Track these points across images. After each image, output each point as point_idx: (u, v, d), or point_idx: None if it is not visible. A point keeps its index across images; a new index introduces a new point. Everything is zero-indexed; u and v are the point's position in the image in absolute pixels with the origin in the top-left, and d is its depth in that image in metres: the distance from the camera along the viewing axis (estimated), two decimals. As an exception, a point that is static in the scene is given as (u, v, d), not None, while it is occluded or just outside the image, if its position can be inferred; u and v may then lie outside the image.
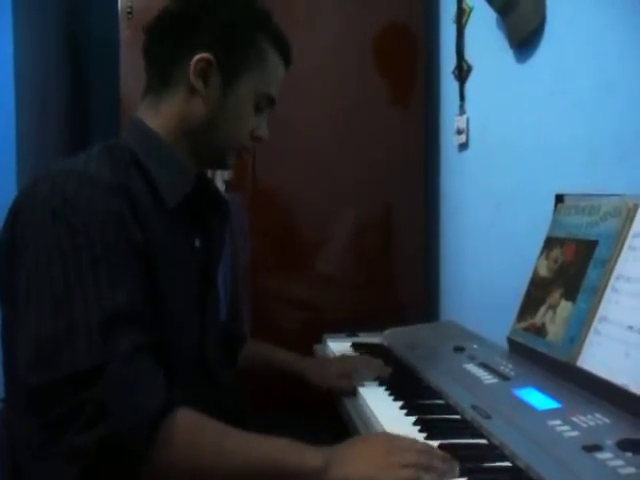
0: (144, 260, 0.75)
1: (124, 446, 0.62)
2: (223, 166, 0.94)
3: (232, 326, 1.22)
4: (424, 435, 0.76)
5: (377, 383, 1.01)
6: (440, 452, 0.69)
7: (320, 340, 1.42)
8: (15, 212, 0.75)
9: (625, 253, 0.83)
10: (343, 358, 1.17)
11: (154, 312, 0.75)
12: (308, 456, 0.67)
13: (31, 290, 0.69)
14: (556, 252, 1.00)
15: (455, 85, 1.57)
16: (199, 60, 0.82)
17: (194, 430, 0.67)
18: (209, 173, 1.37)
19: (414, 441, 0.72)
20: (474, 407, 0.82)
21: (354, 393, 0.98)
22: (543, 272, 1.02)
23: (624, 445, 0.64)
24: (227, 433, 0.68)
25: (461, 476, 0.65)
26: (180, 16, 0.85)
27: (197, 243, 0.89)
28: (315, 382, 1.07)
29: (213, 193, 0.96)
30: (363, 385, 1.00)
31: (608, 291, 0.84)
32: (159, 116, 0.86)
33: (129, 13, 1.54)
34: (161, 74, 0.86)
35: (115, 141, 0.85)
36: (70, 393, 0.63)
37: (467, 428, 0.79)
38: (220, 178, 1.50)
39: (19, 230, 0.73)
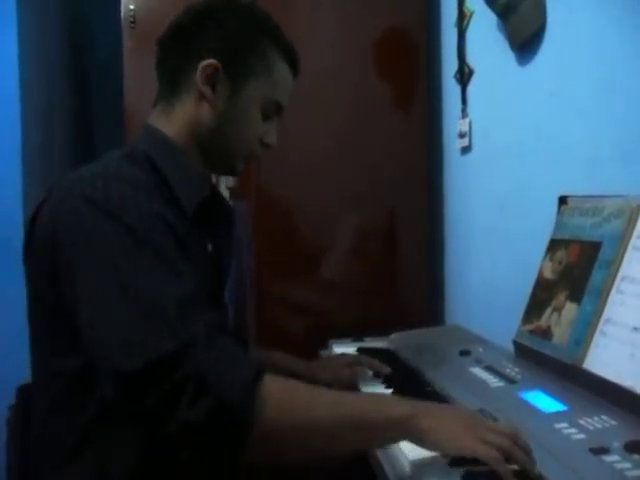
0: (189, 259, 0.77)
1: (229, 415, 0.64)
2: (232, 172, 0.96)
3: (237, 333, 1.23)
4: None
5: (383, 387, 1.01)
6: (525, 442, 0.67)
7: (326, 345, 1.42)
8: (51, 220, 0.75)
9: (629, 254, 0.83)
10: (343, 353, 1.22)
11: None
12: (395, 404, 0.71)
13: (97, 288, 0.70)
14: (560, 254, 1.00)
15: (457, 89, 1.57)
16: (206, 66, 0.85)
17: (286, 392, 0.70)
18: (212, 179, 1.38)
19: (500, 424, 0.72)
20: (480, 411, 0.82)
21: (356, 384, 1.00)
22: (548, 274, 1.01)
23: (631, 447, 0.64)
24: (314, 390, 0.72)
25: (468, 480, 0.64)
26: (188, 25, 0.88)
27: (210, 248, 0.91)
28: (322, 378, 1.07)
29: (219, 199, 0.97)
30: (367, 384, 1.01)
31: (613, 292, 0.83)
32: (170, 123, 0.87)
33: (132, 23, 1.55)
34: (171, 82, 0.88)
35: (129, 148, 0.86)
36: (168, 373, 0.64)
37: (473, 432, 0.78)
38: (224, 185, 1.50)
39: (65, 235, 0.73)
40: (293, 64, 0.92)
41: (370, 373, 1.09)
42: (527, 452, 0.66)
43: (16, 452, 0.83)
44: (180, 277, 0.71)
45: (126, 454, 0.72)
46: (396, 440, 0.70)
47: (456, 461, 0.67)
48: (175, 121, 0.87)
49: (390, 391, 0.99)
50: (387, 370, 1.07)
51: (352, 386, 1.04)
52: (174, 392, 0.64)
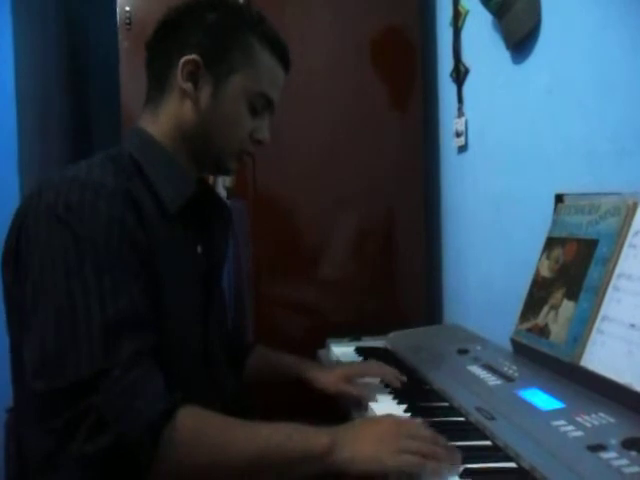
0: (148, 265, 0.75)
1: (130, 451, 0.63)
2: (225, 171, 0.94)
3: (236, 333, 1.22)
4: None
5: (382, 386, 1.01)
6: (445, 441, 0.70)
7: (324, 345, 1.42)
8: (20, 221, 0.76)
9: (626, 251, 0.84)
10: (351, 363, 1.16)
11: (158, 316, 0.75)
12: (313, 438, 0.69)
13: (36, 299, 0.70)
14: (557, 252, 1.00)
15: (453, 88, 1.57)
16: (186, 62, 0.83)
17: (197, 427, 0.68)
18: (210, 180, 1.38)
19: (420, 427, 0.73)
20: (478, 409, 0.82)
21: (359, 401, 0.96)
22: (545, 272, 1.02)
23: (628, 444, 0.64)
24: (230, 424, 0.69)
25: (465, 478, 0.65)
26: (169, 23, 0.87)
27: (199, 249, 0.89)
28: (321, 386, 1.05)
29: (214, 199, 0.96)
30: (374, 400, 0.95)
31: (610, 290, 0.84)
32: (157, 123, 0.87)
33: (128, 24, 1.55)
34: (157, 82, 0.87)
35: (117, 150, 0.85)
36: (74, 400, 0.63)
37: (471, 430, 0.79)
38: (221, 185, 1.50)
39: (24, 239, 0.73)
40: (281, 56, 0.89)
41: (377, 381, 1.03)
42: (449, 449, 0.68)
43: (13, 454, 0.83)
44: (119, 294, 0.69)
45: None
46: (318, 472, 0.69)
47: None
48: (161, 121, 0.86)
49: (388, 390, 0.99)
50: (397, 384, 1.00)
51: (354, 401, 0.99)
52: (76, 420, 0.63)
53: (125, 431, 0.63)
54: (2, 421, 0.87)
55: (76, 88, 2.26)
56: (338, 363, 1.24)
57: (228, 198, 1.48)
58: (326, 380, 1.03)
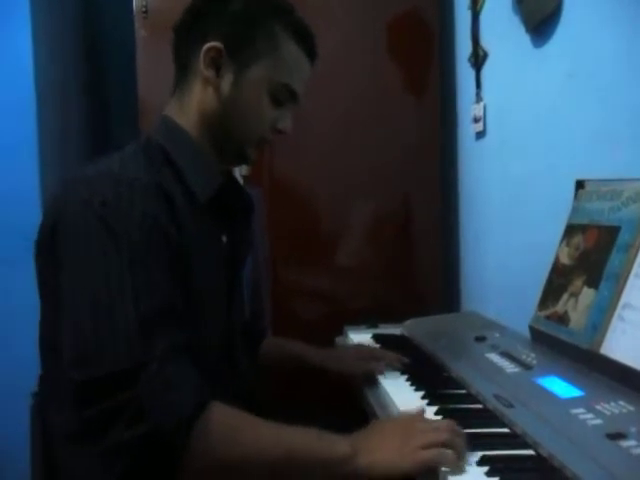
0: (180, 259, 0.77)
1: (164, 443, 0.65)
2: (245, 160, 0.93)
3: (253, 321, 1.24)
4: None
5: (399, 373, 1.02)
6: (460, 430, 0.70)
7: (341, 332, 1.42)
8: (55, 213, 0.76)
9: (648, 238, 0.82)
10: (359, 345, 1.20)
11: (188, 308, 0.76)
12: (337, 444, 0.70)
13: (75, 290, 0.71)
14: (577, 239, 0.99)
15: (471, 72, 1.55)
16: (209, 49, 0.83)
17: (228, 422, 0.69)
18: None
19: (434, 421, 0.75)
20: (496, 396, 0.82)
21: (373, 377, 1.00)
22: (564, 259, 1.01)
23: (649, 432, 0.64)
24: (261, 425, 0.71)
25: (484, 465, 0.65)
26: (195, 10, 0.87)
27: (224, 238, 0.90)
28: (334, 369, 1.07)
29: (238, 189, 0.97)
30: (384, 376, 1.00)
31: (631, 277, 0.83)
32: (183, 112, 0.87)
33: (144, 12, 1.55)
34: (182, 69, 0.88)
35: (145, 138, 0.86)
36: (112, 391, 0.65)
37: (489, 417, 0.79)
38: (238, 173, 1.51)
39: (61, 232, 0.74)
40: (307, 47, 0.88)
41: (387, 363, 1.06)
42: (462, 435, 0.69)
43: (39, 438, 0.85)
44: (154, 289, 0.71)
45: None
46: (337, 478, 0.70)
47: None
48: (187, 109, 0.86)
49: (405, 378, 0.99)
50: (399, 366, 1.04)
51: (366, 381, 1.02)
52: (114, 410, 0.65)
53: (162, 422, 0.65)
54: (27, 405, 0.90)
55: (94, 76, 2.27)
56: (346, 346, 1.27)
57: (244, 186, 1.49)
58: (337, 365, 1.07)
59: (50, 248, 0.76)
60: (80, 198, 0.74)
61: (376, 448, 0.70)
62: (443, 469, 0.65)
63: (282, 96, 0.87)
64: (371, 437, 0.73)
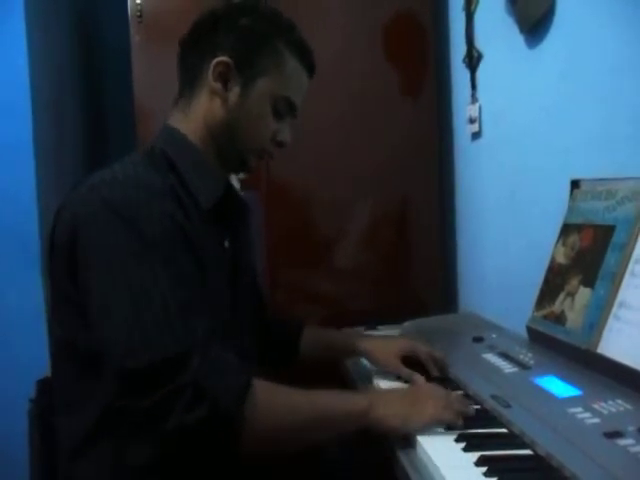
0: (196, 256, 0.80)
1: (222, 421, 0.69)
2: (245, 169, 0.98)
3: (284, 317, 1.23)
4: (444, 425, 0.76)
5: (393, 376, 1.01)
6: (460, 396, 0.85)
7: (339, 334, 1.42)
8: (73, 220, 0.78)
9: (643, 237, 0.82)
10: (401, 338, 1.21)
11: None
12: (356, 399, 0.81)
13: (109, 289, 0.73)
14: (573, 238, 0.99)
15: (466, 73, 1.56)
16: (218, 63, 0.87)
17: (270, 394, 0.75)
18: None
19: (444, 390, 0.85)
20: (494, 396, 0.82)
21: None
22: (560, 259, 1.01)
23: (646, 431, 0.64)
24: (293, 392, 0.78)
25: (482, 465, 0.65)
26: (204, 25, 0.91)
27: (226, 244, 0.93)
28: (379, 364, 1.05)
29: (234, 196, 0.98)
30: (381, 378, 1.00)
31: (627, 276, 0.83)
32: (187, 121, 0.91)
33: (139, 17, 1.55)
34: (188, 81, 0.91)
35: (149, 147, 0.89)
36: (167, 376, 0.68)
37: (487, 417, 0.79)
38: (235, 177, 1.51)
39: (84, 235, 0.76)
40: (307, 64, 0.93)
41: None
42: (462, 402, 0.82)
43: (37, 444, 0.85)
44: (183, 280, 0.75)
45: (141, 444, 0.74)
46: (357, 429, 0.79)
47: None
48: (191, 119, 0.90)
49: (403, 380, 0.99)
50: (435, 373, 1.01)
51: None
52: (173, 395, 0.68)
53: (220, 400, 0.69)
54: (24, 411, 0.90)
55: (89, 80, 2.27)
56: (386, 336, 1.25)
57: (241, 190, 1.49)
58: (382, 358, 1.05)
59: (70, 252, 0.77)
60: (101, 199, 0.76)
61: (390, 404, 0.79)
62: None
63: (283, 109, 0.92)
64: (386, 396, 0.85)
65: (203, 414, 0.68)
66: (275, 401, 0.76)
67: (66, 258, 0.78)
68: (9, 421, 1.18)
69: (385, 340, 1.13)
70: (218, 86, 0.88)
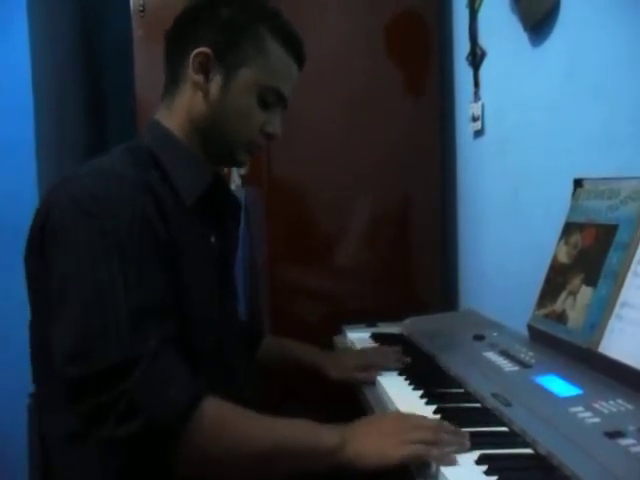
0: (169, 255, 0.77)
1: (158, 438, 0.66)
2: (235, 163, 0.96)
3: (250, 322, 1.24)
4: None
5: (397, 372, 1.02)
6: (451, 427, 0.72)
7: (339, 331, 1.42)
8: (44, 213, 0.77)
9: (646, 237, 0.82)
10: (361, 351, 1.18)
11: (177, 305, 0.77)
12: (325, 435, 0.72)
13: (65, 288, 0.72)
14: (576, 237, 0.99)
15: (469, 71, 1.55)
16: (197, 54, 0.85)
17: (221, 415, 0.71)
18: (225, 169, 1.38)
19: (424, 418, 0.76)
20: (494, 395, 0.82)
21: (373, 383, 0.99)
22: (562, 258, 1.01)
23: (647, 431, 0.64)
24: (251, 418, 0.72)
25: (482, 464, 0.65)
26: (186, 17, 0.89)
27: (213, 239, 0.91)
28: (333, 376, 1.08)
29: (226, 192, 0.97)
30: (382, 375, 1.00)
31: (629, 276, 0.83)
32: (172, 115, 0.89)
33: (142, 12, 1.55)
34: (172, 75, 0.89)
35: (135, 142, 0.88)
36: (104, 386, 0.66)
37: (487, 416, 0.79)
38: (236, 173, 1.51)
39: (49, 232, 0.75)
40: (294, 51, 0.89)
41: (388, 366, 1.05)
42: (456, 434, 0.70)
43: (36, 438, 0.85)
44: (144, 282, 0.72)
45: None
46: (327, 468, 0.71)
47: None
48: (175, 114, 0.88)
49: (403, 377, 0.99)
50: (406, 362, 1.04)
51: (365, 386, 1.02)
52: (107, 405, 0.65)
53: (156, 416, 0.65)
54: (24, 405, 0.90)
55: (91, 75, 2.27)
56: (346, 350, 1.27)
57: (243, 186, 1.49)
58: (336, 371, 1.08)
59: (40, 249, 0.76)
60: (70, 195, 0.75)
61: (364, 439, 0.71)
62: (436, 464, 0.65)
63: (270, 99, 0.88)
64: (360, 429, 0.74)
65: (135, 428, 0.64)
66: (226, 425, 0.70)
67: (36, 258, 0.77)
68: (9, 420, 1.18)
69: (341, 355, 1.15)
70: (200, 78, 0.85)
